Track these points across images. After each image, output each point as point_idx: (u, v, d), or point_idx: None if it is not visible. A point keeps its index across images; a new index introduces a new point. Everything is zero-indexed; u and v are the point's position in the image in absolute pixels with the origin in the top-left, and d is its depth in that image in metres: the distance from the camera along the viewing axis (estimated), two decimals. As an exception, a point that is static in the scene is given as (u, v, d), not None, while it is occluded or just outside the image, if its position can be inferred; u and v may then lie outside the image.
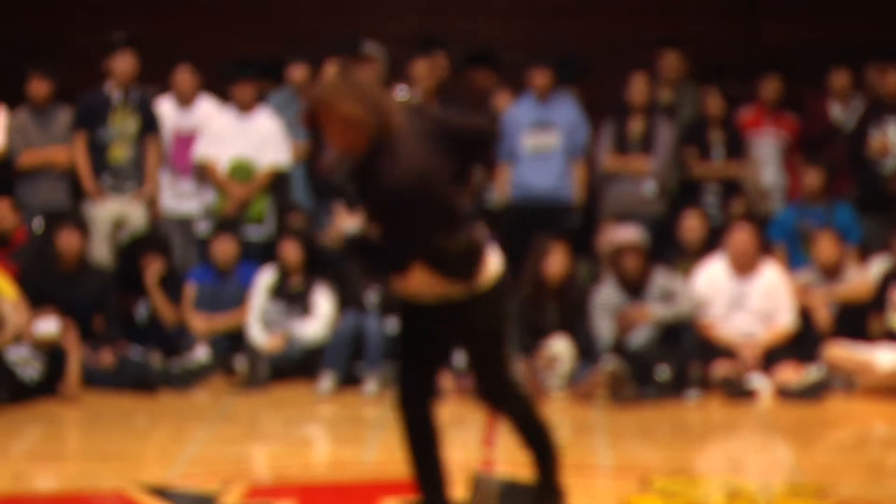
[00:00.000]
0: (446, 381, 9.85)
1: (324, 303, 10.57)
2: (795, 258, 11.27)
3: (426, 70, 11.36)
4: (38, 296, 10.27)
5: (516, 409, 6.37)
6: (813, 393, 9.91)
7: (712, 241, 10.86)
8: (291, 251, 10.63)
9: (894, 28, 13.01)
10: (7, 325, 9.91)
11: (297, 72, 11.71)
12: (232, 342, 10.69)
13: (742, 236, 10.46)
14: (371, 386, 9.87)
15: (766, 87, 11.96)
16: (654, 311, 10.09)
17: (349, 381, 10.13)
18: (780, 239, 11.33)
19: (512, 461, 8.06)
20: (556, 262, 10.31)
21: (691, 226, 10.98)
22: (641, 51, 12.39)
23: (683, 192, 11.75)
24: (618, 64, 12.33)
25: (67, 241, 10.49)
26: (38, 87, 11.44)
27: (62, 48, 13.39)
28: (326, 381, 10.01)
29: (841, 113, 11.86)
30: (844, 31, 13.14)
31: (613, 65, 12.48)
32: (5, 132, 11.43)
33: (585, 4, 13.87)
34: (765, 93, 11.95)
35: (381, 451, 8.33)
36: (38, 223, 11.33)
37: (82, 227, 10.65)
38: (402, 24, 13.15)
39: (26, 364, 9.62)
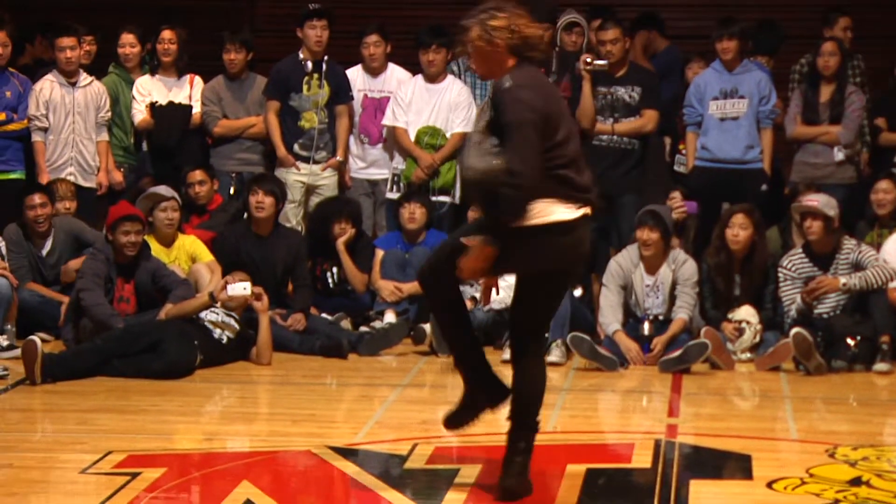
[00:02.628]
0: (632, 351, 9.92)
1: (510, 270, 10.61)
2: None
3: (614, 35, 11.31)
4: (231, 260, 10.47)
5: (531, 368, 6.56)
6: None
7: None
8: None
9: None
10: (203, 288, 10.12)
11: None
12: (420, 308, 10.75)
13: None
14: (555, 354, 9.89)
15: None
16: (845, 280, 9.98)
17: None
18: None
19: (695, 429, 8.10)
20: (742, 230, 10.25)
21: (884, 193, 10.83)
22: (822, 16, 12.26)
23: (873, 161, 11.66)
24: (807, 31, 12.24)
25: (261, 206, 10.64)
26: (233, 57, 11.64)
27: (257, 18, 13.62)
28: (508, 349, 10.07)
29: None
30: None
31: (804, 32, 12.39)
32: (201, 101, 11.66)
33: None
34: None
35: (565, 417, 8.37)
36: (232, 189, 11.56)
37: (276, 193, 10.76)
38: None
39: (220, 326, 9.77)
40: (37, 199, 10.62)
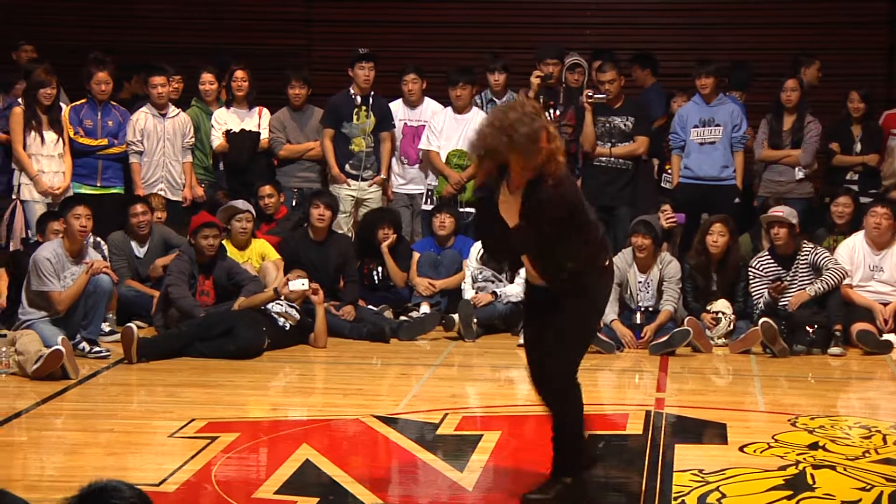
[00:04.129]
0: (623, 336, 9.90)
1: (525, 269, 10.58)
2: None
3: (611, 76, 11.32)
4: (293, 260, 10.47)
5: (558, 405, 6.00)
6: (938, 349, 9.73)
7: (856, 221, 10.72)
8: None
9: None
10: (270, 283, 10.14)
11: (496, 78, 11.74)
12: (450, 301, 10.76)
13: (877, 218, 10.26)
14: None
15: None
16: (811, 291, 9.93)
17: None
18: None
19: (679, 402, 8.08)
20: (720, 236, 10.22)
21: (843, 206, 10.82)
22: (792, 59, 12.23)
23: (829, 179, 11.66)
24: (773, 70, 12.22)
25: (318, 216, 10.63)
26: (296, 92, 11.66)
27: (314, 59, 13.64)
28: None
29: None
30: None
31: (770, 71, 12.37)
32: (268, 129, 11.68)
33: (744, 18, 13.75)
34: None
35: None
36: (294, 202, 11.57)
37: (332, 206, 10.77)
38: (585, 37, 13.15)
39: (284, 316, 9.78)
40: (139, 208, 10.69)
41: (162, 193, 11.30)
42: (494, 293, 10.47)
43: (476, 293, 10.53)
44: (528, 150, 5.54)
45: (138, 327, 9.41)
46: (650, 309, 10.10)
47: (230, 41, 13.82)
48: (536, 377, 6.08)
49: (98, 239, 10.23)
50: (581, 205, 5.77)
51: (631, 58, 12.70)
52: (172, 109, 11.46)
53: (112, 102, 11.38)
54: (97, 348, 9.26)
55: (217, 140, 11.61)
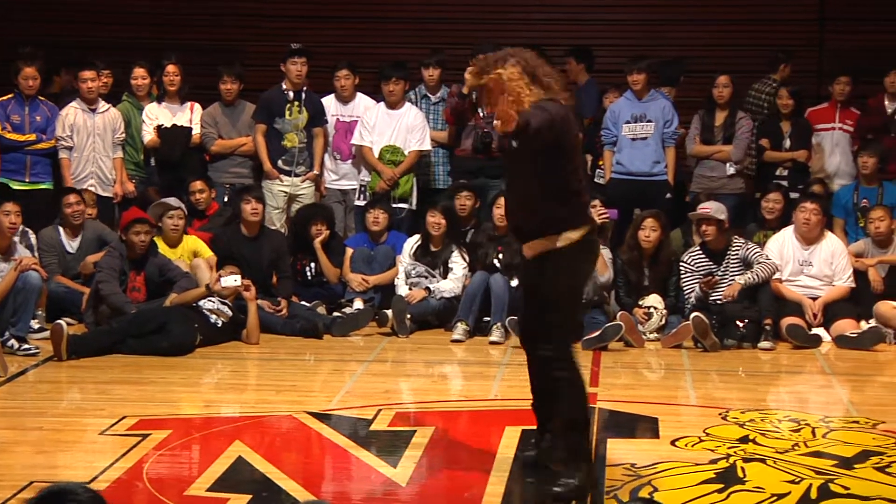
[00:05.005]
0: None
1: (458, 264, 10.62)
2: (853, 230, 11.18)
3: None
4: (226, 256, 10.41)
5: (548, 379, 6.10)
6: (866, 342, 9.82)
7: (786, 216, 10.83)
8: (438, 221, 10.69)
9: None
10: (202, 280, 10.09)
11: (431, 73, 11.76)
12: (383, 297, 10.73)
13: (806, 214, 10.37)
14: (496, 334, 9.89)
15: (835, 87, 11.93)
16: (742, 281, 10.01)
17: (478, 330, 10.16)
18: (840, 214, 11.24)
19: (612, 396, 8.12)
20: (652, 231, 10.29)
21: (774, 202, 10.93)
22: (726, 56, 12.35)
23: (759, 175, 11.76)
24: (705, 67, 12.32)
25: (251, 211, 10.60)
26: (228, 87, 11.61)
27: (247, 55, 13.58)
28: (459, 330, 10.05)
29: (894, 108, 11.76)
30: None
31: (702, 67, 12.47)
32: (200, 124, 11.62)
33: (681, 15, 13.84)
34: (834, 91, 11.92)
35: (504, 388, 8.38)
36: (226, 198, 11.52)
37: (262, 200, 10.75)
38: (529, 33, 13.16)
39: (216, 313, 9.74)
40: (72, 198, 10.61)
41: (92, 189, 11.21)
42: (428, 289, 10.47)
43: (409, 289, 10.53)
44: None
45: (68, 324, 9.34)
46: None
47: (164, 35, 13.73)
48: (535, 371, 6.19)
49: (27, 229, 10.15)
50: (570, 136, 5.89)
51: (566, 51, 12.66)
52: (102, 104, 11.37)
53: (40, 98, 11.27)
54: (26, 346, 9.18)
55: (148, 135, 11.53)
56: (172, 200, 10.67)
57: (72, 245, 10.66)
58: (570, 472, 5.94)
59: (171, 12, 14.26)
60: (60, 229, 10.65)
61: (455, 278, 10.55)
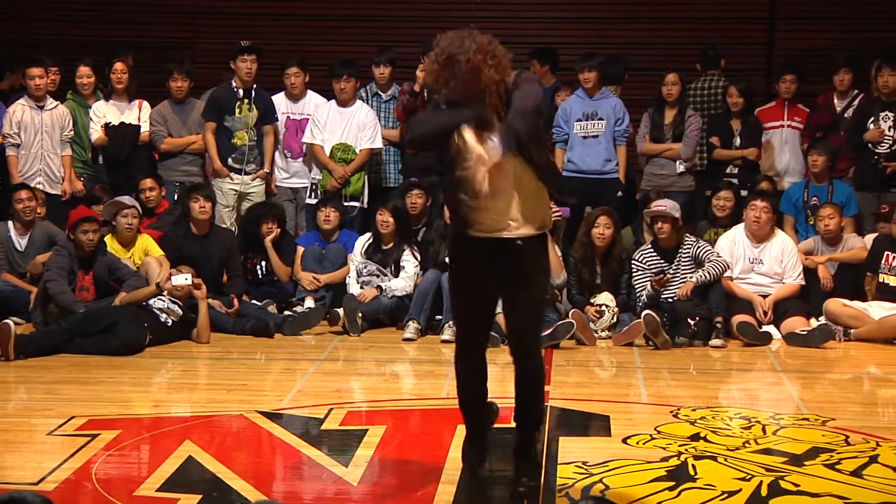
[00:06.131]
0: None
1: (410, 263, 10.62)
2: (803, 228, 11.26)
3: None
4: (175, 256, 10.37)
5: (534, 371, 6.22)
6: (815, 340, 9.89)
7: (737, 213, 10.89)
8: (386, 220, 10.68)
9: (889, 34, 12.96)
10: (152, 279, 10.03)
11: (382, 71, 11.75)
12: (334, 295, 10.73)
13: (756, 212, 10.43)
14: (448, 333, 9.88)
15: (781, 85, 12.01)
16: (695, 279, 10.06)
17: (429, 329, 10.18)
18: (790, 212, 11.32)
19: (563, 394, 8.13)
20: (605, 229, 10.32)
21: (725, 200, 10.99)
22: (675, 54, 12.39)
23: (710, 172, 11.83)
24: (655, 65, 12.37)
25: (200, 210, 10.56)
26: (178, 84, 11.56)
27: (197, 52, 13.52)
28: (411, 329, 10.05)
29: (843, 107, 11.84)
30: (847, 38, 13.10)
31: (652, 65, 12.52)
32: (149, 122, 11.56)
33: (630, 14, 13.88)
34: (780, 89, 11.99)
35: (454, 386, 8.35)
36: (176, 196, 11.47)
37: (212, 198, 10.72)
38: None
39: (166, 312, 9.69)
40: (23, 194, 10.58)
41: (40, 187, 11.13)
42: (379, 287, 10.47)
43: (361, 287, 10.52)
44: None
45: (16, 324, 9.26)
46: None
47: (115, 33, 13.63)
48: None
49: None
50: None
51: (529, 52, 12.56)
52: (50, 102, 11.30)
53: (-14, 95, 11.21)
54: (-27, 346, 9.10)
55: (96, 133, 11.46)
56: (126, 199, 10.61)
57: (21, 242, 10.60)
58: (529, 472, 6.01)
59: (120, 9, 14.16)
60: (10, 225, 10.57)
61: (407, 277, 10.55)
